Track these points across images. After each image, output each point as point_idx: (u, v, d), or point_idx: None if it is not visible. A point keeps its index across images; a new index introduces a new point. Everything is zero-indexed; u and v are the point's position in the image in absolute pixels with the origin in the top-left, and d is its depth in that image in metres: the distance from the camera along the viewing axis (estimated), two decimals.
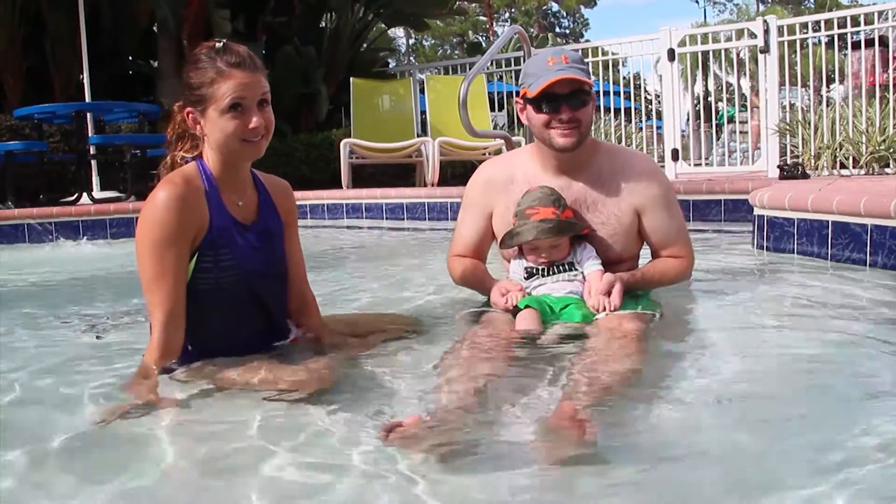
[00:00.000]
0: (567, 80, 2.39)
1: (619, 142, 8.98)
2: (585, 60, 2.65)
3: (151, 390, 1.81)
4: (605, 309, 2.30)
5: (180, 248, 1.91)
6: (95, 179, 8.43)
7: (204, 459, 1.52)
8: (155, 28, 11.00)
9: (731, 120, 10.62)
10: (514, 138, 6.78)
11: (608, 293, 2.32)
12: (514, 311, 2.32)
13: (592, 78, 2.56)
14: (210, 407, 1.80)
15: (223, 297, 2.00)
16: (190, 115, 2.00)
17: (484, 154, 8.31)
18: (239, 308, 2.05)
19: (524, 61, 6.74)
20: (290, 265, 2.24)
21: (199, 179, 2.00)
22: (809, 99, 8.78)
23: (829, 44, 7.34)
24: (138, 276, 1.94)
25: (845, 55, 7.81)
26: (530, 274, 2.46)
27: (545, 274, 2.45)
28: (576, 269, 2.44)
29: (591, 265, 2.44)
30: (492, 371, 1.94)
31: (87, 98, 8.89)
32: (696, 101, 9.59)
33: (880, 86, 7.12)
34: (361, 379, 1.98)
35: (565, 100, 2.40)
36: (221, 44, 1.98)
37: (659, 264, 2.60)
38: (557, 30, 47.72)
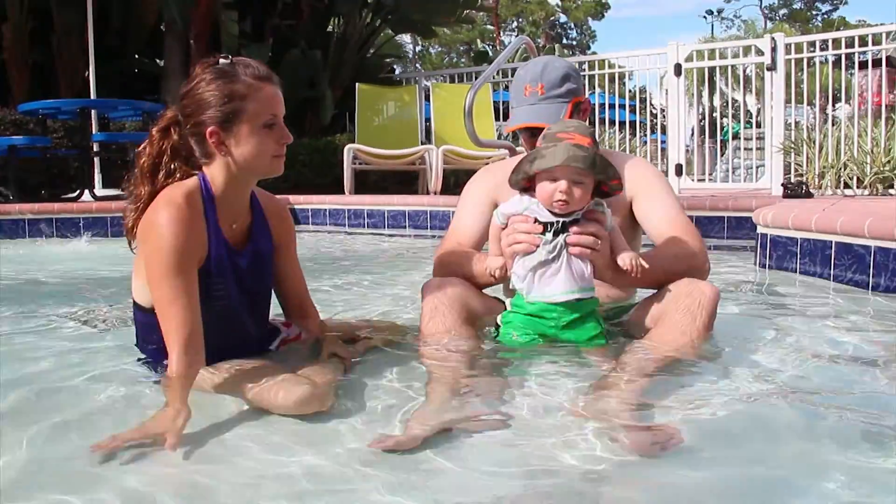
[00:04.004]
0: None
1: None
2: (583, 73, 2.58)
3: (183, 424, 1.62)
4: (634, 269, 2.11)
5: (189, 269, 1.84)
6: (98, 177, 8.44)
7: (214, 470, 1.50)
8: (162, 27, 11.01)
9: (735, 136, 10.62)
10: (517, 149, 6.76)
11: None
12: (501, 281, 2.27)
13: (573, 93, 2.40)
14: (211, 419, 1.77)
15: (210, 321, 1.88)
16: (214, 136, 1.87)
17: (487, 163, 8.31)
18: (224, 327, 1.98)
19: None
20: (290, 284, 2.23)
21: (199, 199, 1.90)
22: (815, 117, 8.77)
23: (836, 63, 7.31)
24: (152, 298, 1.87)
25: (852, 74, 7.80)
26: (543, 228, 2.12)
27: (557, 233, 2.11)
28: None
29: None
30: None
31: (93, 95, 8.90)
32: (701, 117, 9.58)
33: (887, 106, 7.11)
34: (352, 389, 1.95)
35: (541, 131, 2.25)
36: (230, 59, 1.90)
37: (669, 243, 2.35)
38: (564, 41, 47.84)
